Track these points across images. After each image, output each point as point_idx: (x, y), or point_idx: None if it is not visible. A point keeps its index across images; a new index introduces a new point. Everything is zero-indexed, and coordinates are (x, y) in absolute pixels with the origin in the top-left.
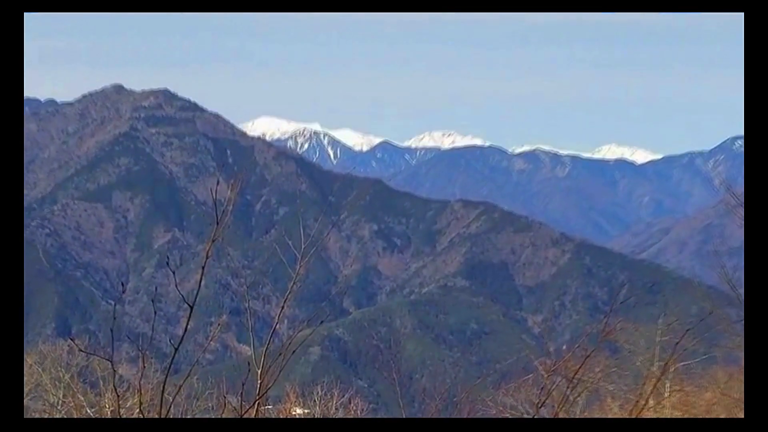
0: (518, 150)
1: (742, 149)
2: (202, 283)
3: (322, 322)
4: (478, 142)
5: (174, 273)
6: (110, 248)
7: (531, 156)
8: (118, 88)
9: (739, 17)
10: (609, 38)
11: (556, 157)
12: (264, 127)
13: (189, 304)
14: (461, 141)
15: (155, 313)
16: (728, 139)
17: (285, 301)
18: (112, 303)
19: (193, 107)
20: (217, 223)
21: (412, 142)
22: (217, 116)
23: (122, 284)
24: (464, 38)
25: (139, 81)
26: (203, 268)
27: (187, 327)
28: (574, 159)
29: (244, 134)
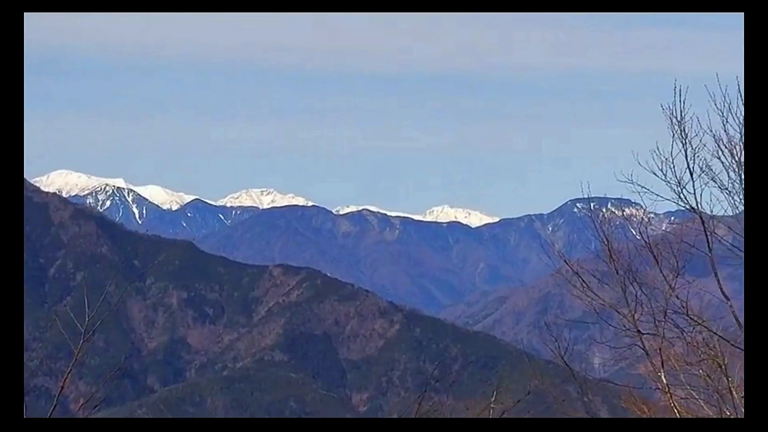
0: (344, 211)
1: (582, 213)
2: None
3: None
4: (300, 201)
5: None
6: None
7: (358, 217)
8: None
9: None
10: (443, 90)
11: (384, 219)
12: (60, 182)
13: None
14: (281, 200)
15: None
16: (568, 202)
17: (67, 377)
18: None
19: None
20: None
21: (227, 201)
22: None
23: None
24: (280, 82)
25: None
26: None
27: None
28: (405, 221)
29: (37, 190)
